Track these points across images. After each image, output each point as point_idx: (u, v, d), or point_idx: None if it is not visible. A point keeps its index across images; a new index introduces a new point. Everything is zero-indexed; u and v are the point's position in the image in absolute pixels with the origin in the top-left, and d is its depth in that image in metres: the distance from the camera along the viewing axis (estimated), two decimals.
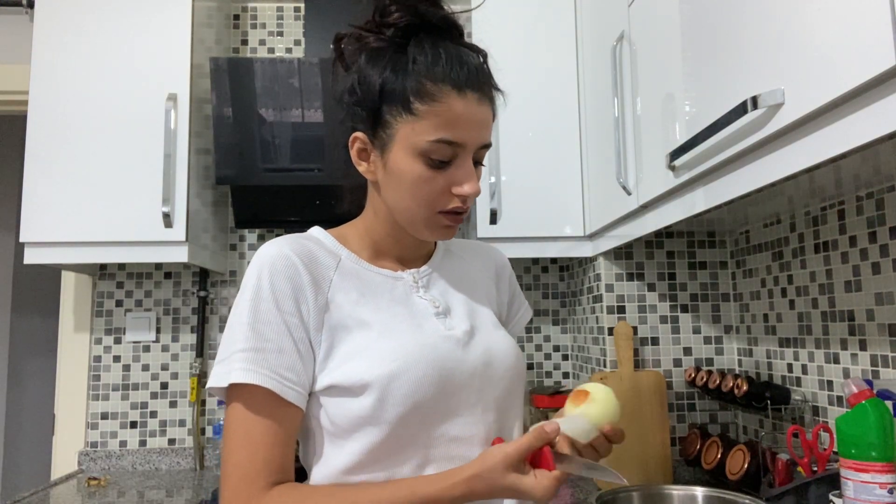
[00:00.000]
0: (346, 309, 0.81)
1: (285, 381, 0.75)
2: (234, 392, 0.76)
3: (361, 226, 0.90)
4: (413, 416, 0.76)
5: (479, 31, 1.80)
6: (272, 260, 0.79)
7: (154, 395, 2.03)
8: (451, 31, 0.82)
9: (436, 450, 0.78)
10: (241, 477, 0.73)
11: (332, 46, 0.85)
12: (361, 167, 0.84)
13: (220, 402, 2.03)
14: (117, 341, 2.05)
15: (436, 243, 0.96)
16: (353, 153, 0.85)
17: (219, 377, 0.76)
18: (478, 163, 0.83)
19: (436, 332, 0.82)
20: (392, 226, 0.87)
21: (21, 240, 1.70)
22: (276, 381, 0.74)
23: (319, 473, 0.80)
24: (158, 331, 2.06)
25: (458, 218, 0.83)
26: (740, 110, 0.87)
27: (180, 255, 1.73)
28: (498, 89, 0.85)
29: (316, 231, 0.89)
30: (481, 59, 0.83)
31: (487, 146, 0.83)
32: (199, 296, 2.06)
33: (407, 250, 0.90)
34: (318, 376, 0.78)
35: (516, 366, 0.88)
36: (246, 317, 0.77)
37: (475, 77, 0.79)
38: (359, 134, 0.83)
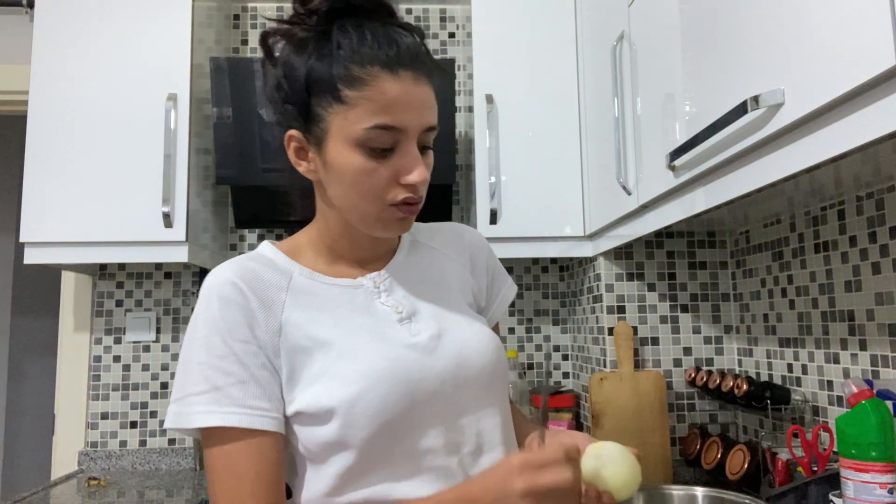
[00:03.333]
0: (301, 329, 0.76)
1: (255, 412, 0.71)
2: (206, 434, 0.72)
3: (314, 231, 0.85)
4: (383, 435, 0.72)
5: (479, 31, 1.80)
6: (217, 289, 0.75)
7: (154, 395, 2.03)
8: (379, 12, 0.76)
9: (415, 463, 0.74)
10: None
11: (259, 46, 0.80)
12: (301, 167, 0.79)
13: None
14: (117, 341, 2.05)
15: (399, 236, 0.90)
16: (290, 154, 0.79)
17: (177, 417, 0.72)
18: (426, 147, 0.77)
19: (399, 342, 0.77)
20: (344, 227, 0.81)
21: (21, 240, 1.70)
22: (244, 415, 0.71)
23: (304, 497, 0.76)
24: (158, 331, 2.06)
25: (412, 208, 0.77)
26: (740, 110, 0.87)
27: (180, 255, 1.73)
28: (440, 68, 0.79)
29: (265, 248, 0.84)
30: (416, 38, 0.77)
31: (433, 129, 0.77)
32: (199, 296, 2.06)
33: (365, 251, 0.84)
34: (286, 400, 0.75)
35: (493, 361, 0.83)
36: (201, 355, 0.72)
37: (408, 55, 0.73)
38: (293, 132, 0.78)
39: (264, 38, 0.78)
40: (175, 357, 2.05)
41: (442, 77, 0.81)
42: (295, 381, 0.74)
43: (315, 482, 0.75)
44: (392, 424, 0.72)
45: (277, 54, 0.78)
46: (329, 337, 0.76)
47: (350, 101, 0.72)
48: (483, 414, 0.80)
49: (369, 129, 0.72)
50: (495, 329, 0.97)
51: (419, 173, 0.74)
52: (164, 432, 2.02)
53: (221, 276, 0.76)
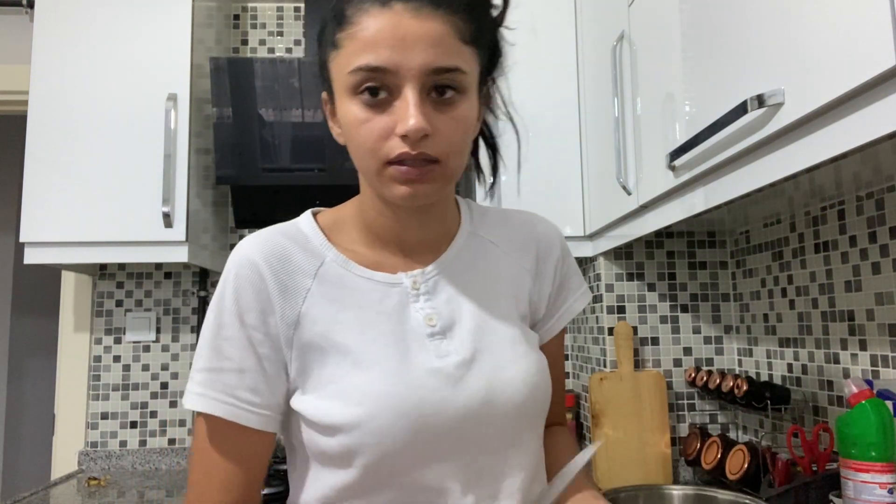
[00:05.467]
0: (320, 326, 0.68)
1: (242, 405, 0.67)
2: (196, 417, 0.70)
3: (356, 206, 0.75)
4: (384, 464, 0.65)
5: None
6: (237, 267, 0.69)
7: (154, 395, 2.03)
8: None
9: (423, 497, 0.67)
10: (195, 501, 0.69)
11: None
12: (334, 132, 0.73)
13: None
14: (117, 341, 2.05)
15: (460, 221, 0.79)
16: (328, 120, 0.73)
17: (185, 393, 0.70)
18: (444, 93, 0.64)
19: (421, 365, 0.68)
20: (379, 200, 0.72)
21: (21, 240, 1.70)
22: (231, 406, 0.67)
23: (302, 499, 0.72)
24: (158, 331, 2.06)
25: (412, 170, 0.64)
26: (740, 110, 0.87)
27: (180, 255, 1.73)
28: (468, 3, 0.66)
29: (305, 221, 0.74)
30: None
31: (447, 70, 0.63)
32: (199, 296, 2.06)
33: (407, 231, 0.73)
34: (293, 395, 0.70)
35: (528, 396, 0.71)
36: (210, 330, 0.69)
37: None
38: (323, 94, 0.73)
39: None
40: (175, 357, 2.05)
41: (484, 11, 0.66)
42: (304, 379, 0.69)
43: (315, 487, 0.70)
44: (395, 457, 0.65)
45: None
46: (347, 342, 0.68)
47: (340, 43, 0.65)
48: (508, 454, 0.71)
49: (353, 70, 0.63)
50: (556, 340, 0.84)
51: (413, 121, 0.61)
52: (164, 432, 2.02)
53: (244, 254, 0.70)
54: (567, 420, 0.88)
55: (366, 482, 0.67)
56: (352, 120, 0.65)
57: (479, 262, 0.77)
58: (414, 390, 0.66)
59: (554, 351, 0.82)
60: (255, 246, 0.70)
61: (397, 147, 0.63)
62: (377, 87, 0.63)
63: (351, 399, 0.65)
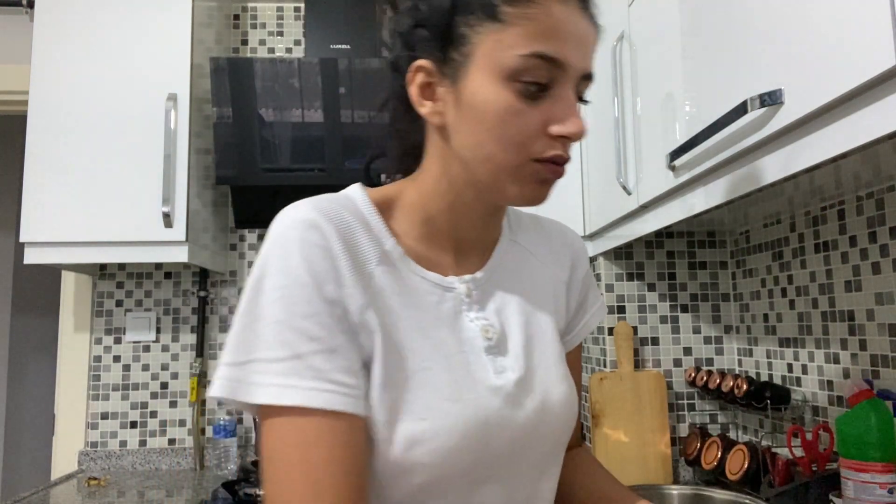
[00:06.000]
0: (383, 319, 0.60)
1: (342, 389, 0.55)
2: (273, 412, 0.55)
3: (415, 193, 0.67)
4: (430, 487, 0.59)
5: None
6: (303, 229, 0.57)
7: (154, 395, 2.03)
8: None
9: None
10: None
11: None
12: (424, 108, 0.63)
13: (220, 403, 2.03)
14: (117, 341, 2.05)
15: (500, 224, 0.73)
16: (413, 91, 0.63)
17: (234, 386, 0.55)
18: (580, 99, 0.62)
19: (483, 382, 0.62)
20: (456, 196, 0.65)
21: (21, 240, 1.70)
22: (331, 393, 0.54)
23: None
24: (158, 331, 2.06)
25: (558, 171, 0.61)
26: (740, 110, 0.87)
27: (180, 255, 1.73)
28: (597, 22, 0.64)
29: (360, 198, 0.65)
30: None
31: (590, 79, 0.62)
32: (199, 296, 2.06)
33: (468, 230, 0.68)
34: None
35: (570, 422, 0.68)
36: (277, 311, 0.55)
37: None
38: (423, 62, 0.62)
39: None
40: (175, 357, 2.05)
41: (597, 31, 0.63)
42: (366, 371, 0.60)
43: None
44: (448, 479, 0.59)
45: None
46: (411, 344, 0.60)
47: (508, 18, 0.57)
48: (543, 479, 0.68)
49: (527, 55, 0.57)
50: (574, 356, 0.80)
51: (575, 124, 0.58)
52: (164, 432, 2.02)
53: (306, 217, 0.58)
54: (582, 441, 0.86)
55: (411, 493, 0.58)
56: (503, 106, 0.58)
57: (521, 272, 0.72)
58: (479, 409, 0.60)
59: (572, 366, 0.77)
60: (318, 212, 0.59)
61: (552, 147, 0.60)
62: (545, 81, 0.58)
63: (412, 411, 0.57)
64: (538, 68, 0.57)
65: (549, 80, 0.58)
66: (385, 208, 0.66)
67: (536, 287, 0.73)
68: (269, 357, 0.54)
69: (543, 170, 0.60)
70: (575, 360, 0.80)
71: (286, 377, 0.54)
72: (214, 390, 0.56)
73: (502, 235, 0.73)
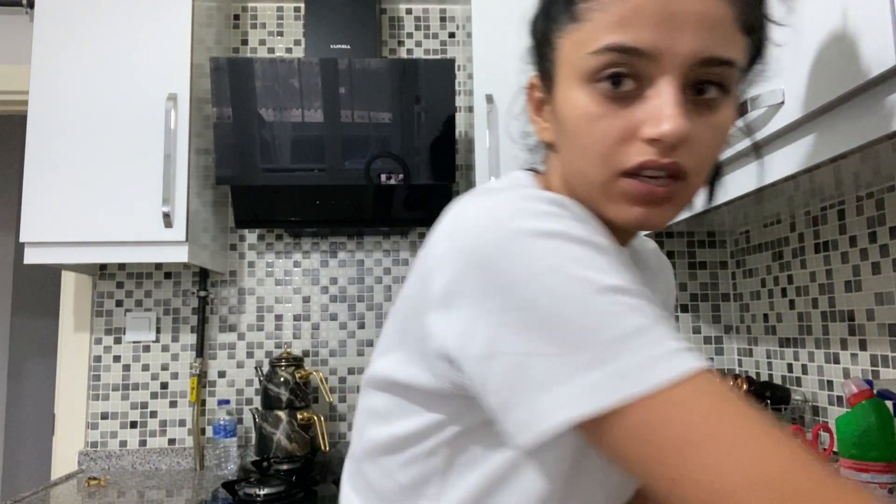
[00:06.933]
0: None
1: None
2: (663, 393, 0.41)
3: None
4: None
5: (479, 31, 1.80)
6: (560, 203, 0.47)
7: (154, 395, 2.03)
8: None
9: None
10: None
11: None
12: (535, 125, 0.58)
13: (223, 403, 2.03)
14: (117, 341, 2.05)
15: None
16: (529, 109, 0.59)
17: (601, 390, 0.41)
18: (707, 90, 0.50)
19: None
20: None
21: (21, 240, 1.71)
22: (695, 350, 0.44)
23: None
24: (158, 331, 2.06)
25: (652, 189, 0.49)
26: (740, 110, 0.87)
27: (180, 255, 1.73)
28: None
29: (526, 181, 0.58)
30: None
31: (720, 62, 0.49)
32: (199, 296, 2.06)
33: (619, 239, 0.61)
34: None
35: None
36: (612, 278, 0.44)
37: None
38: (534, 79, 0.58)
39: None
40: (175, 357, 2.05)
41: None
42: None
43: (456, 489, 0.54)
44: (553, 494, 0.53)
45: None
46: None
47: (583, 14, 0.50)
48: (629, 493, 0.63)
49: (598, 51, 0.49)
50: None
51: (672, 123, 0.47)
52: (164, 432, 2.02)
53: (558, 199, 0.48)
54: None
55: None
56: (580, 114, 0.50)
57: (648, 281, 0.67)
58: None
59: None
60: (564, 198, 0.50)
61: (639, 153, 0.49)
62: (624, 74, 0.49)
63: None
64: (613, 63, 0.48)
65: (636, 75, 0.49)
66: None
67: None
68: (633, 326, 0.42)
69: (630, 186, 0.49)
70: None
71: (665, 342, 0.42)
72: (568, 412, 0.42)
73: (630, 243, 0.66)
